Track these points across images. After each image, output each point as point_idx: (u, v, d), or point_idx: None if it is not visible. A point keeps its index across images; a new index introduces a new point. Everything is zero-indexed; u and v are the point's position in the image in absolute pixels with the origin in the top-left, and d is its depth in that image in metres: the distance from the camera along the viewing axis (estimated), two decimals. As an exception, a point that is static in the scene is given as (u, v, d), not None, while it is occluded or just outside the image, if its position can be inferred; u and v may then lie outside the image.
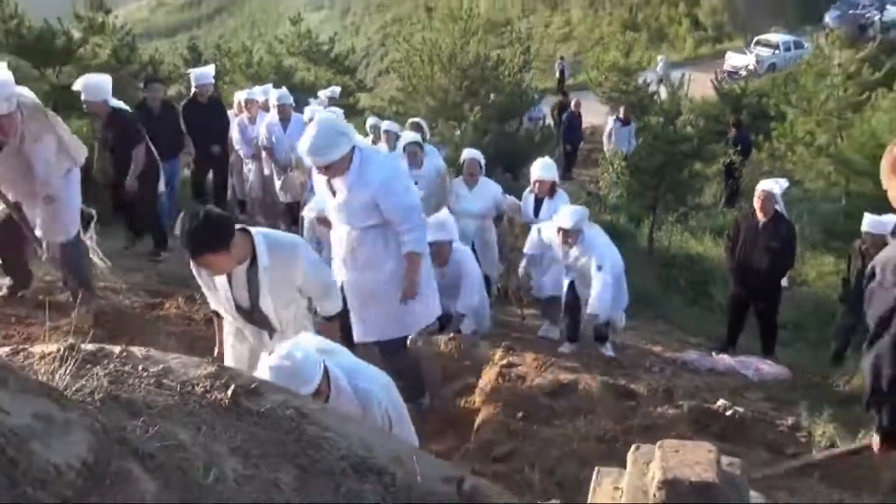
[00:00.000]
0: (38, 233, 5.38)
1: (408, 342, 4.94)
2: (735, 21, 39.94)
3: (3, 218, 5.32)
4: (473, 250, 7.11)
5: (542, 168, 7.48)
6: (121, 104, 7.57)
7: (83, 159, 5.56)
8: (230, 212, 9.99)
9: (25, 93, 5.11)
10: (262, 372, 2.92)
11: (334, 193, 4.56)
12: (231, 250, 3.35)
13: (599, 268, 6.12)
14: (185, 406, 2.09)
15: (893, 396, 2.68)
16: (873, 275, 2.69)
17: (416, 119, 9.85)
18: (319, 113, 4.61)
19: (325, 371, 2.99)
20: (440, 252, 6.08)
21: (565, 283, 6.62)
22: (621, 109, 18.65)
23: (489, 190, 7.62)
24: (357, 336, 4.72)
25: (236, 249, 3.38)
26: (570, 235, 6.17)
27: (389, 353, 4.69)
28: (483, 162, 7.75)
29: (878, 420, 2.79)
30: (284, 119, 9.09)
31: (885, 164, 3.02)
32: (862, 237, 7.79)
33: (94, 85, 7.15)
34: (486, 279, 7.29)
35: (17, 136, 4.88)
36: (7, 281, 5.70)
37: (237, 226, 3.45)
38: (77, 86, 7.19)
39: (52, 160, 5.09)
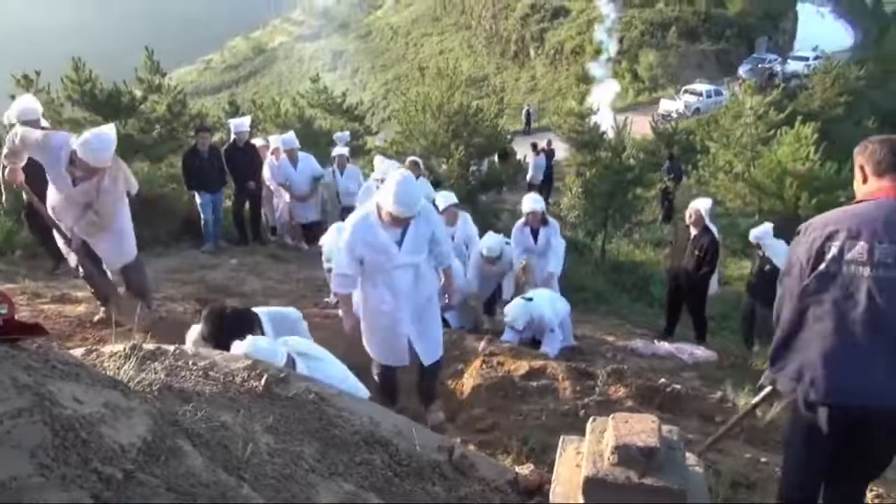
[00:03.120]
0: (104, 261, 5.17)
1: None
2: (667, 74, 40.27)
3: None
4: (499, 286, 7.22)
5: (533, 202, 7.21)
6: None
7: (134, 191, 5.20)
8: (264, 235, 10.00)
9: None
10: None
11: (400, 242, 4.00)
12: None
13: (552, 330, 6.06)
14: (227, 393, 2.08)
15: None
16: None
17: (415, 158, 9.80)
18: (393, 170, 4.26)
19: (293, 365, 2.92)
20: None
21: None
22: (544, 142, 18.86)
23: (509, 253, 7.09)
24: (427, 360, 4.27)
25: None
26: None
27: (440, 366, 4.42)
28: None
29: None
30: (293, 160, 9.17)
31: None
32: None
33: (28, 108, 6.22)
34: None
35: (98, 177, 4.72)
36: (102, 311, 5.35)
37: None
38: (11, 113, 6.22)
39: (118, 194, 4.92)
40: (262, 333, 3.20)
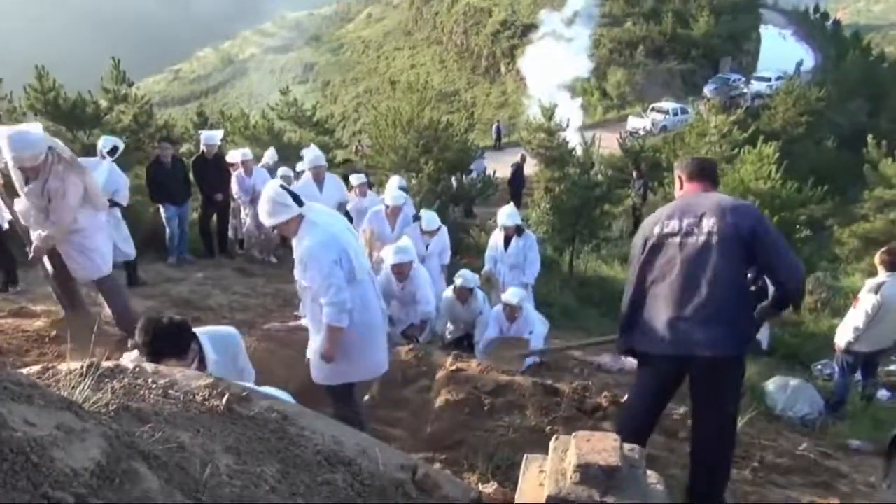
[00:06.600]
0: (72, 270, 5.02)
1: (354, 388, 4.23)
2: (635, 92, 40.92)
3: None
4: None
5: (507, 216, 7.29)
6: None
7: (104, 207, 5.12)
8: (231, 248, 9.90)
9: (64, 148, 4.76)
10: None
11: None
12: (189, 354, 3.02)
13: (531, 333, 6.19)
14: (186, 412, 2.04)
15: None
16: None
17: (401, 180, 9.70)
18: (273, 181, 3.99)
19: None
20: (401, 270, 6.10)
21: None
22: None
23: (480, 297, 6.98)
24: (312, 376, 4.13)
25: (192, 352, 3.05)
26: (515, 310, 6.18)
27: (334, 398, 4.13)
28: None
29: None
30: (319, 180, 8.14)
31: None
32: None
33: None
34: None
35: (43, 176, 4.58)
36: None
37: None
38: None
39: (72, 202, 4.70)
40: (201, 350, 3.13)
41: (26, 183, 4.65)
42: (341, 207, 8.22)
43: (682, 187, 3.49)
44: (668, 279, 3.22)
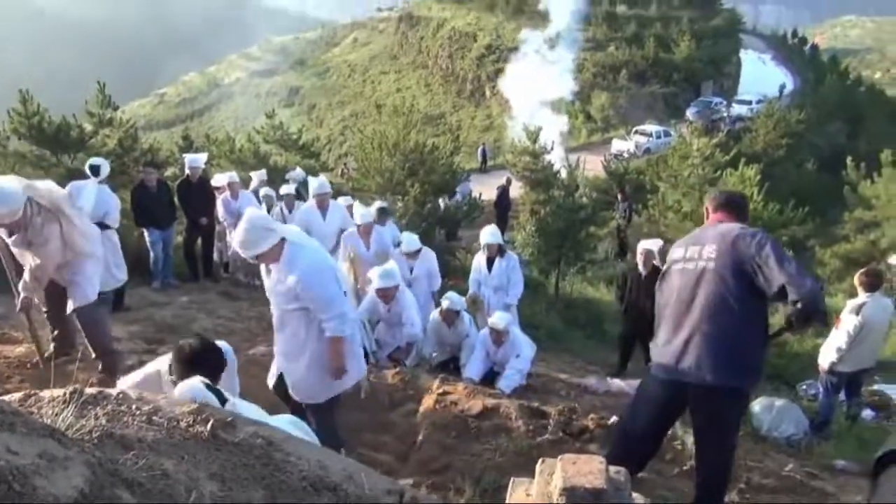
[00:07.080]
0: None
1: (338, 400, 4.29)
2: (618, 115, 41.40)
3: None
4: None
5: (490, 235, 7.42)
6: None
7: (77, 250, 4.89)
8: (216, 271, 9.84)
9: (44, 191, 4.64)
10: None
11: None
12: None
13: (518, 356, 6.21)
14: (171, 439, 2.02)
15: None
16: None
17: (382, 203, 9.74)
18: (249, 209, 3.97)
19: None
20: (387, 294, 6.17)
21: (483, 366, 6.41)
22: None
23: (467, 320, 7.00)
24: (293, 395, 4.16)
25: None
26: (502, 335, 6.19)
27: (317, 415, 4.14)
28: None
29: None
30: (323, 208, 8.07)
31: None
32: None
33: None
34: None
35: (23, 228, 4.55)
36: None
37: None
38: None
39: (52, 252, 4.68)
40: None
41: (10, 235, 4.63)
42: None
43: (707, 217, 3.58)
44: (669, 305, 3.33)
